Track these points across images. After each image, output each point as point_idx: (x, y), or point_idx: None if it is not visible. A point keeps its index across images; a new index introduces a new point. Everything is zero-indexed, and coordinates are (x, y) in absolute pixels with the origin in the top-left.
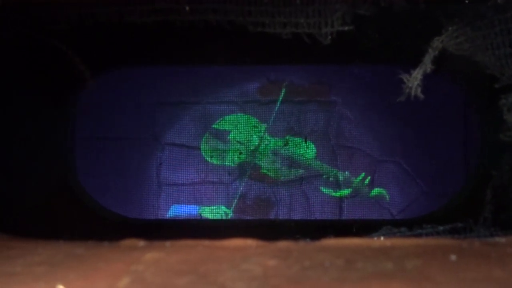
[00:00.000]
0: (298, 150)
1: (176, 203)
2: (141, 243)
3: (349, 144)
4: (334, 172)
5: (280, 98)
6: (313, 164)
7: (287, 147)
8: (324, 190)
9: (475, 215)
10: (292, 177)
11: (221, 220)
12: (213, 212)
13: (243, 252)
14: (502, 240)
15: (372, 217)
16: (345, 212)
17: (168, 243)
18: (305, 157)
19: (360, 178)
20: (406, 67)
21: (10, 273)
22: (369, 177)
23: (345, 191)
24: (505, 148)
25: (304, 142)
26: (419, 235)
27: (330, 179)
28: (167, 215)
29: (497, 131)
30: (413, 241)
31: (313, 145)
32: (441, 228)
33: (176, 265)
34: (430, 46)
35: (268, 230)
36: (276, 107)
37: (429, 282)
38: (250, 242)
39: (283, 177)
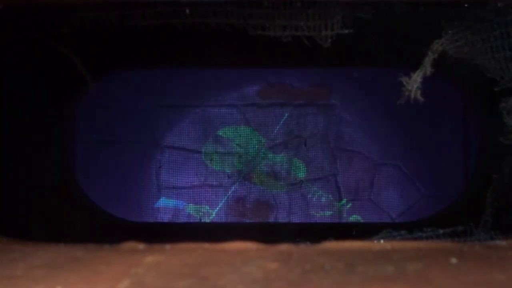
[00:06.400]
0: (289, 168)
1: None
2: (141, 246)
3: (348, 147)
4: (319, 193)
5: (282, 121)
6: (302, 184)
7: (280, 163)
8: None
9: (476, 218)
10: (277, 191)
11: (221, 223)
12: (197, 210)
13: (244, 255)
14: (502, 243)
15: (372, 220)
16: (345, 215)
17: (168, 246)
18: (295, 175)
19: (342, 202)
20: (406, 70)
21: (11, 276)
22: (350, 203)
23: (327, 213)
24: (505, 151)
25: (295, 162)
26: (420, 238)
27: (314, 200)
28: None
29: (497, 134)
30: (414, 244)
31: (304, 166)
32: (441, 231)
33: (176, 268)
34: (430, 49)
35: (268, 233)
36: (278, 126)
37: (430, 285)
38: (250, 245)
39: (269, 188)
